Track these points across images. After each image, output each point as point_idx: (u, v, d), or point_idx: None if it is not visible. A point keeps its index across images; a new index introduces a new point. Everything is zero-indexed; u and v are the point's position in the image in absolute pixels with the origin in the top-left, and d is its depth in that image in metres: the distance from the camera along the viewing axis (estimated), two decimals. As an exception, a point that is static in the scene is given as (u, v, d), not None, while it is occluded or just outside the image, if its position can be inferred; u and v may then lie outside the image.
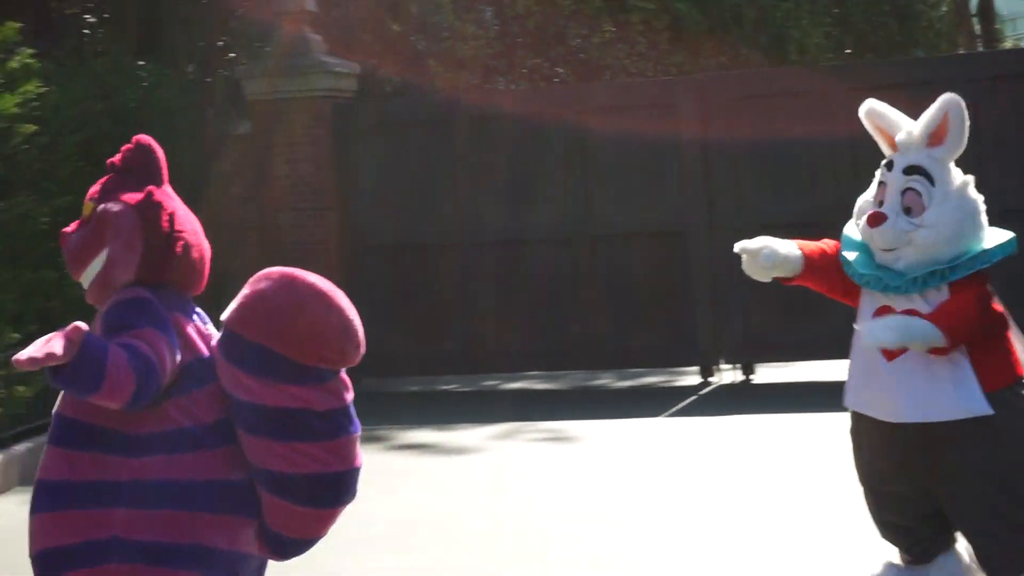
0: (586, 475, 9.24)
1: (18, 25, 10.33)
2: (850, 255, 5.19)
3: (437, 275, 13.69)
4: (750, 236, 5.34)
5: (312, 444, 3.79)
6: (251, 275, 3.91)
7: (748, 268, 5.26)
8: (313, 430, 3.79)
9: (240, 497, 3.84)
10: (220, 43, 15.61)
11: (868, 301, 5.15)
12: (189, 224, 4.07)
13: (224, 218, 13.87)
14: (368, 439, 10.79)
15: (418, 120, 13.81)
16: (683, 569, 6.88)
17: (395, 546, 7.57)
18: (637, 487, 8.79)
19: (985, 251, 5.06)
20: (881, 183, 5.15)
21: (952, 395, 4.97)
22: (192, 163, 13.16)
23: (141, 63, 12.96)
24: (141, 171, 4.13)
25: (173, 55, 13.99)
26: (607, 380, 13.88)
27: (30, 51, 10.60)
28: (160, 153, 4.19)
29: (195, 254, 4.04)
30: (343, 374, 3.86)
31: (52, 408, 3.97)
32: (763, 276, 5.27)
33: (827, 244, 5.29)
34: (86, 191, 4.21)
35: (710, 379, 13.20)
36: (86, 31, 12.78)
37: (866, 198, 5.20)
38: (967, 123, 5.10)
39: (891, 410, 5.04)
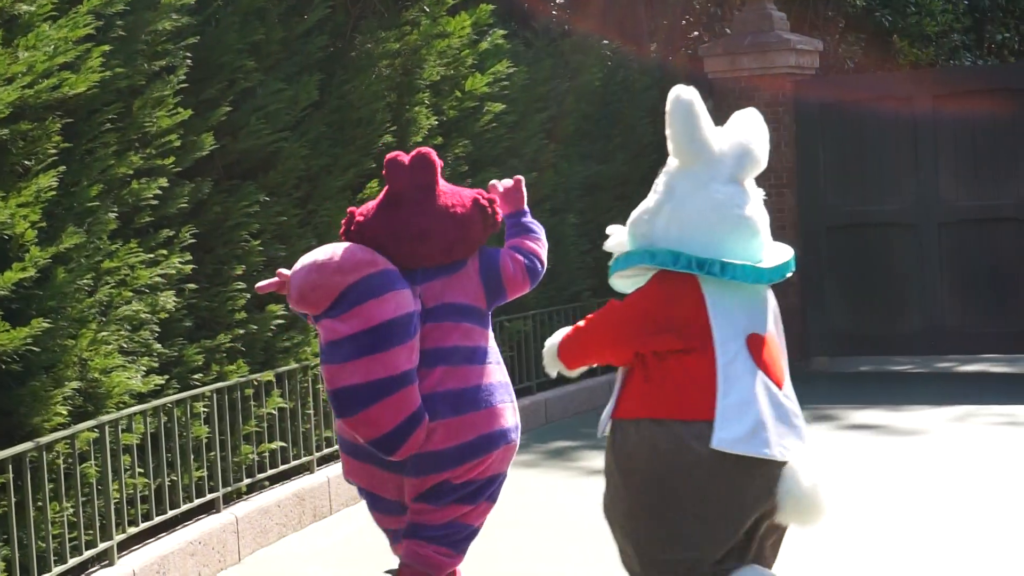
0: (1040, 462, 9.08)
1: (491, 7, 10.82)
2: None
3: (895, 254, 13.59)
4: None
5: (323, 366, 5.41)
6: None
7: None
8: (321, 353, 5.43)
9: None
10: (684, 21, 15.87)
11: None
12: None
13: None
14: (818, 418, 10.91)
15: (880, 96, 13.70)
16: None
17: (833, 525, 7.66)
18: (1094, 477, 8.58)
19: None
20: None
21: None
22: (651, 140, 13.48)
23: (605, 42, 13.33)
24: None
25: (637, 34, 14.33)
26: (1070, 366, 13.48)
27: (501, 32, 11.08)
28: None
29: None
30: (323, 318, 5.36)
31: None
32: None
33: None
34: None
35: None
36: (554, 11, 13.24)
37: None
38: (690, 121, 4.87)
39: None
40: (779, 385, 4.95)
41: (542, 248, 5.72)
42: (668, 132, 4.95)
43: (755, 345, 4.89)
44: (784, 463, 4.77)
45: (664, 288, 4.86)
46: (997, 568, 6.69)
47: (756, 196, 5.00)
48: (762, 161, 5.03)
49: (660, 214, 4.91)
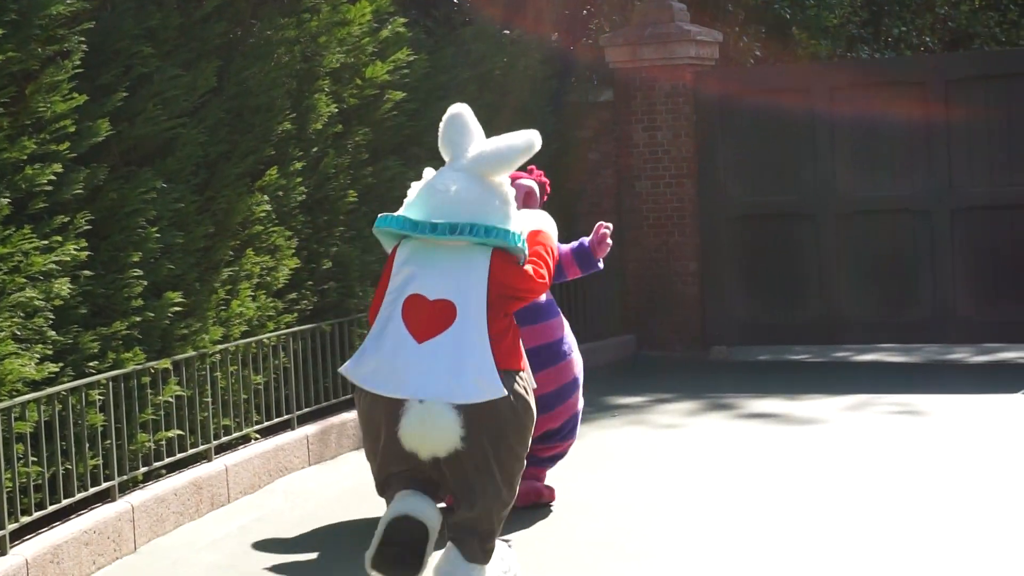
0: (933, 450, 9.21)
1: (392, -5, 10.78)
2: None
3: (793, 245, 13.73)
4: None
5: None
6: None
7: None
8: None
9: None
10: (584, 11, 15.91)
11: None
12: None
13: (582, 184, 14.22)
14: (715, 407, 11.01)
15: (779, 89, 13.83)
16: (1026, 547, 6.84)
17: (729, 512, 7.73)
18: (985, 464, 8.72)
19: None
20: None
21: None
22: (553, 130, 13.52)
23: (507, 32, 13.34)
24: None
25: (538, 23, 14.35)
26: (963, 354, 13.66)
27: (402, 20, 11.05)
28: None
29: None
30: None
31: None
32: None
33: None
34: None
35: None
36: (455, 0, 13.22)
37: None
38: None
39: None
40: (418, 340, 5.98)
41: (559, 278, 7.72)
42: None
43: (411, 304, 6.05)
44: (404, 400, 5.89)
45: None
46: (892, 556, 6.78)
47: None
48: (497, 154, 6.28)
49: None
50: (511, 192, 6.28)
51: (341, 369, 6.16)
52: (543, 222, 6.51)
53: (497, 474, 5.99)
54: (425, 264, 6.08)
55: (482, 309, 5.99)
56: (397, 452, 5.94)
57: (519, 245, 6.09)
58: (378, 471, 6.10)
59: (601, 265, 7.83)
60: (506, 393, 5.92)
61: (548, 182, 8.04)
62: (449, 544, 6.08)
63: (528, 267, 6.17)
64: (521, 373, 6.09)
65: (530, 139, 6.25)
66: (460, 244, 6.07)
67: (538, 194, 7.91)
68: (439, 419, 5.81)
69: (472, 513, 6.00)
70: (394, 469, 6.03)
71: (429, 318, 5.97)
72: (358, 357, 6.05)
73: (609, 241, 7.65)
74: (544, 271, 6.22)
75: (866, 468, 8.71)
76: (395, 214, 6.15)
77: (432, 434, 5.82)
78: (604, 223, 7.66)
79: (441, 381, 5.87)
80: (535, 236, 6.35)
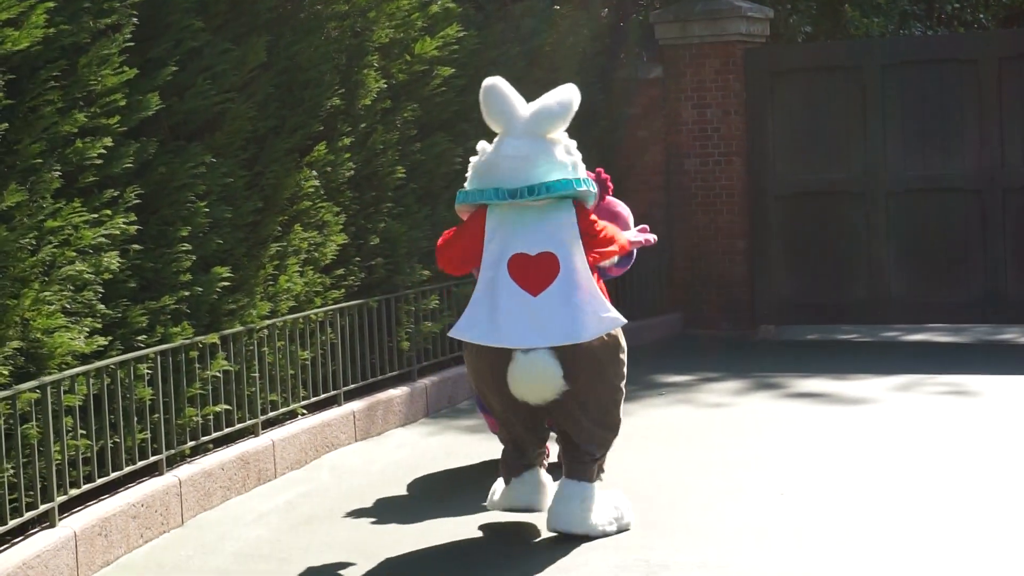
0: (987, 431, 9.14)
1: (441, -30, 10.76)
2: None
3: (843, 223, 13.65)
4: None
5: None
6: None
7: None
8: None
9: None
10: (634, -13, 15.83)
11: None
12: None
13: (631, 162, 14.17)
14: (762, 386, 10.97)
15: (830, 67, 13.75)
16: (1077, 531, 6.78)
17: (779, 495, 7.70)
18: (1036, 446, 8.66)
19: None
20: None
21: None
22: (602, 107, 13.47)
23: (557, 7, 13.29)
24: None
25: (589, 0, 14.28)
26: (1014, 335, 13.57)
27: (452, -4, 11.02)
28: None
29: None
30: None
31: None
32: None
33: None
34: None
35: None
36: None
37: None
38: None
39: None
40: (532, 294, 6.72)
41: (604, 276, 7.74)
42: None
43: (515, 263, 6.78)
44: (512, 349, 6.70)
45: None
46: (948, 539, 6.74)
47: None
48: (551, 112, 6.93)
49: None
50: (571, 143, 7.00)
51: (451, 332, 6.85)
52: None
53: (599, 407, 6.85)
54: (517, 225, 6.82)
55: (581, 255, 6.78)
56: (510, 402, 6.83)
57: (586, 188, 6.86)
58: (500, 428, 7.13)
59: (634, 257, 8.02)
60: (624, 320, 6.82)
61: (609, 177, 8.14)
62: (563, 476, 6.94)
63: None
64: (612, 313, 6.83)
65: (572, 92, 7.00)
66: (542, 203, 6.83)
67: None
68: (543, 367, 6.64)
69: (579, 441, 6.85)
70: (513, 420, 6.95)
71: (537, 271, 6.74)
72: (469, 319, 6.78)
73: (650, 238, 7.77)
74: (612, 236, 7.00)
75: (919, 449, 8.65)
76: (470, 189, 6.93)
77: (538, 382, 6.67)
78: (646, 228, 7.91)
79: (559, 328, 6.66)
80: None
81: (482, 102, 7.00)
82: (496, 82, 7.01)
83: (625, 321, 6.85)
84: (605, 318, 6.73)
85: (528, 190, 6.74)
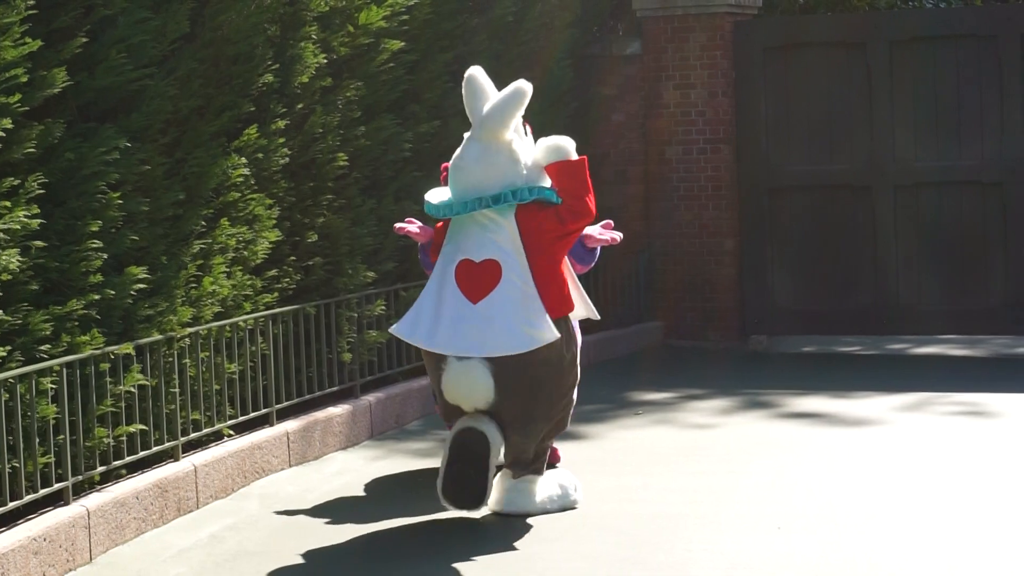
0: (1006, 457, 9.18)
1: (389, -70, 10.75)
2: None
3: (845, 221, 13.70)
4: None
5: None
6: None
7: None
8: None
9: None
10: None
11: None
12: None
13: (605, 150, 14.18)
14: (753, 405, 10.99)
15: (831, 43, 13.79)
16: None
17: (769, 526, 7.71)
18: (1063, 474, 8.70)
19: None
20: None
21: None
22: (572, 86, 13.47)
23: (521, -27, 13.31)
24: None
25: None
26: (1037, 349, 13.68)
27: (402, -41, 11.02)
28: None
29: None
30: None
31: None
32: None
33: None
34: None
35: None
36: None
37: None
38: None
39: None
40: (472, 301, 7.58)
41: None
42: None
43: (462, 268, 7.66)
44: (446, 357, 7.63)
45: None
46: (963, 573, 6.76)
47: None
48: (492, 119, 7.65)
49: None
50: (520, 146, 7.75)
51: (392, 329, 7.80)
52: (559, 150, 7.85)
53: (537, 419, 7.70)
54: (466, 233, 7.71)
55: (523, 261, 7.61)
56: (446, 404, 7.76)
57: (530, 198, 7.69)
58: (442, 413, 8.07)
59: (597, 254, 8.47)
60: (558, 335, 7.52)
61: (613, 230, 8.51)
62: (503, 469, 7.88)
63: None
64: (563, 321, 7.67)
65: (518, 88, 7.59)
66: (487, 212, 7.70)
67: None
68: (474, 377, 7.52)
69: (511, 449, 7.76)
70: (455, 416, 7.81)
71: (480, 278, 7.59)
72: (412, 318, 7.69)
73: (615, 235, 8.32)
74: (577, 202, 7.73)
75: (930, 477, 8.68)
76: (434, 202, 7.84)
77: (468, 391, 7.56)
78: (611, 224, 8.42)
79: (491, 338, 7.49)
80: (558, 169, 7.80)
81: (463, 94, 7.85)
82: (474, 73, 7.78)
83: (557, 336, 7.55)
84: (533, 334, 7.52)
85: (463, 207, 7.70)
